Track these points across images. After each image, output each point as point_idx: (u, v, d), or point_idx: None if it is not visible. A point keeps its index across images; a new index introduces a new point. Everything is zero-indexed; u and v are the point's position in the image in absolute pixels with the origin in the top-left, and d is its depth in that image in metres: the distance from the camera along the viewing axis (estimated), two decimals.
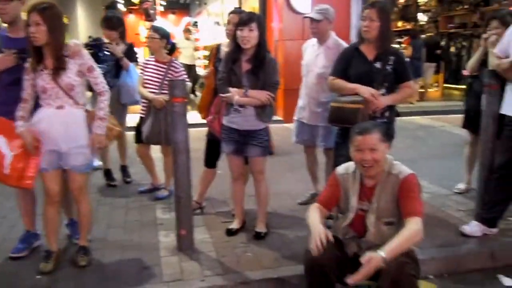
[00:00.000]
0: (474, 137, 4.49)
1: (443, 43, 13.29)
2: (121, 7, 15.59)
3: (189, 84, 4.61)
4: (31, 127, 3.01)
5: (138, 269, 3.19)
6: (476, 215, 3.81)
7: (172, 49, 4.53)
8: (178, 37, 13.03)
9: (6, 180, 3.03)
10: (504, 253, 3.50)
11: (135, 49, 5.27)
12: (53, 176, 3.11)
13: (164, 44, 4.39)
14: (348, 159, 2.69)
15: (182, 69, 4.42)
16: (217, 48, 4.01)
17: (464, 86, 6.03)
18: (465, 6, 13.30)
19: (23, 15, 3.11)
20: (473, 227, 3.67)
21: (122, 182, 5.10)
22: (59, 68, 2.97)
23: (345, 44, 3.94)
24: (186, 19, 19.12)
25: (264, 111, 3.48)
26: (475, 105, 4.23)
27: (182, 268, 3.20)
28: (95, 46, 4.72)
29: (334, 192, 2.67)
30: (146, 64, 4.48)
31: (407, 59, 4.27)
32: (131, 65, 4.85)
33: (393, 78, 3.45)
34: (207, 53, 12.20)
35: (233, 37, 3.47)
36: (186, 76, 4.38)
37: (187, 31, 13.13)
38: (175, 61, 4.45)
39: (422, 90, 11.51)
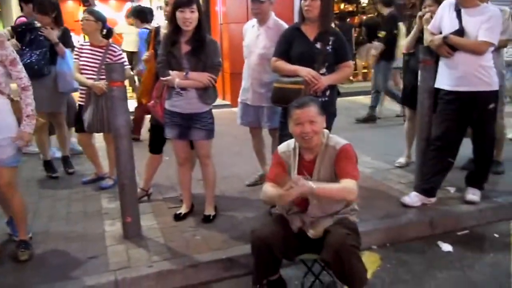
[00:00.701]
0: (412, 112, 4.65)
1: None
2: None
3: (128, 69, 4.47)
4: None
5: (83, 259, 3.11)
6: (416, 186, 3.98)
7: (108, 33, 4.38)
8: (120, 23, 12.62)
9: None
10: (443, 220, 3.68)
11: (76, 36, 5.06)
12: None
13: (100, 27, 4.23)
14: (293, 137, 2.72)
15: (121, 52, 4.28)
16: (156, 30, 3.91)
17: None
18: None
19: None
20: (413, 198, 3.82)
21: (64, 174, 4.92)
22: None
23: (285, 25, 3.95)
24: (128, 5, 18.53)
25: (206, 93, 3.44)
26: (412, 81, 4.38)
27: (129, 255, 3.15)
28: (27, 30, 4.49)
29: (282, 167, 2.69)
30: (81, 49, 4.30)
31: None
32: (67, 51, 4.66)
33: (333, 58, 3.50)
34: None
35: (170, 19, 3.40)
36: (125, 60, 4.25)
37: (130, 16, 12.70)
38: (113, 45, 4.31)
39: (365, 71, 11.79)
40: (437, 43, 3.69)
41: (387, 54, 6.87)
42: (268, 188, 2.58)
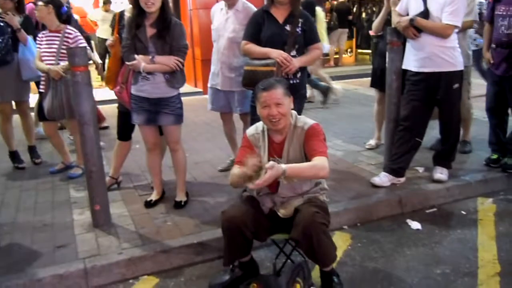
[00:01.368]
0: (381, 95, 4.69)
1: (354, 9, 13.70)
2: None
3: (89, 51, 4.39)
4: None
5: (52, 249, 3.05)
6: (385, 166, 4.03)
7: (68, 18, 4.27)
8: (95, 11, 12.31)
9: None
10: (411, 199, 3.74)
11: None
12: None
13: (51, 10, 4.09)
14: None
15: (78, 35, 4.18)
16: (120, 15, 3.81)
17: None
18: None
19: None
20: (382, 178, 3.88)
21: (31, 164, 4.81)
22: None
23: (254, 8, 3.92)
24: None
25: (174, 77, 3.39)
26: (381, 64, 4.41)
27: (98, 243, 3.10)
28: None
29: (250, 152, 2.67)
30: (41, 37, 4.22)
31: None
32: (30, 38, 4.53)
33: (303, 40, 3.50)
34: None
35: (133, 1, 3.32)
36: (84, 43, 4.16)
37: (106, 2, 12.42)
38: (69, 28, 4.20)
39: (337, 56, 11.86)
40: (404, 25, 3.72)
41: None
42: (235, 170, 2.57)
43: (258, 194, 2.68)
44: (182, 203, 3.66)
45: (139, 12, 3.29)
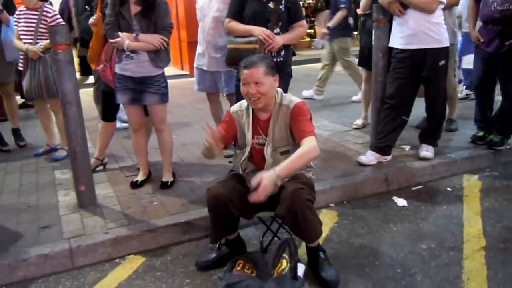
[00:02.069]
0: (369, 74, 4.66)
1: None
2: None
3: None
4: None
5: (36, 230, 3.02)
6: (371, 145, 4.03)
7: None
8: None
9: None
10: (397, 177, 3.75)
11: None
12: None
13: None
14: None
15: (56, 13, 4.11)
16: None
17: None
18: None
19: None
20: (369, 156, 3.88)
21: (15, 147, 4.74)
22: None
23: None
24: None
25: (158, 56, 3.35)
26: (368, 43, 4.38)
27: (84, 223, 3.08)
28: None
29: (230, 128, 2.66)
30: (19, 14, 4.14)
31: None
32: (12, 19, 4.43)
33: (287, 18, 3.45)
34: None
35: None
36: (61, 21, 4.09)
37: None
38: (47, 6, 4.13)
39: None
40: (389, 0, 3.69)
41: None
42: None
43: (245, 171, 2.67)
44: (169, 183, 3.64)
45: None
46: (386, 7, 3.76)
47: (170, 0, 8.84)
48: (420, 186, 3.76)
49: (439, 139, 4.10)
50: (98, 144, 4.01)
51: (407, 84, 3.81)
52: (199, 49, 4.09)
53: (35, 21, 4.06)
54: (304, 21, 3.57)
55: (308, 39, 11.71)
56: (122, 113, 4.71)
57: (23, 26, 4.10)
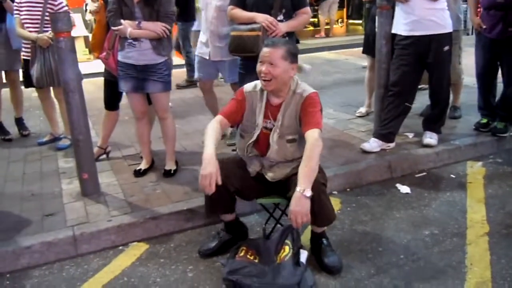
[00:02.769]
0: (373, 61, 4.61)
1: None
2: None
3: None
4: None
5: (40, 217, 3.03)
6: (374, 132, 4.02)
7: None
8: None
9: None
10: (401, 164, 3.74)
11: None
12: None
13: None
14: None
15: (62, 1, 4.09)
16: None
17: None
18: None
19: None
20: (372, 144, 3.87)
21: (19, 136, 4.75)
22: None
23: None
24: None
25: (161, 44, 3.33)
26: (373, 30, 4.34)
27: (87, 211, 3.08)
28: None
29: (240, 107, 2.61)
30: (20, 3, 4.12)
31: None
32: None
33: (290, 4, 3.43)
34: None
35: None
36: (67, 9, 4.07)
37: None
38: None
39: (328, 27, 11.73)
40: None
41: (184, 15, 6.09)
42: (210, 132, 2.48)
43: (247, 153, 2.64)
44: (172, 172, 3.64)
45: None
46: None
47: None
48: (424, 173, 3.74)
49: (443, 126, 4.09)
50: (101, 133, 4.01)
51: (410, 71, 3.78)
52: (202, 37, 4.06)
53: (40, 9, 4.04)
54: (308, 8, 3.54)
55: (311, 28, 11.66)
56: None
57: (26, 14, 4.08)
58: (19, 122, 4.81)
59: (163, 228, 3.01)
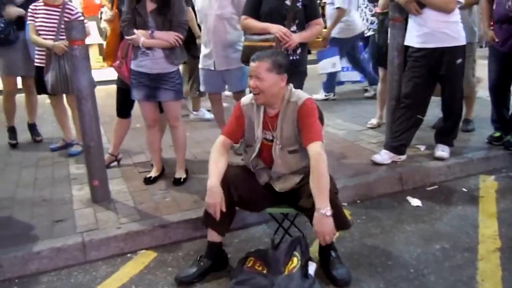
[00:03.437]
0: (386, 73, 4.61)
1: None
2: None
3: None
4: None
5: (50, 223, 3.05)
6: (385, 144, 3.99)
7: None
8: None
9: None
10: (412, 176, 3.71)
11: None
12: None
13: None
14: None
15: (78, 11, 4.17)
16: None
17: None
18: None
19: None
20: (383, 156, 3.84)
21: (31, 141, 4.81)
22: None
23: None
24: None
25: (173, 53, 3.36)
26: (386, 41, 4.32)
27: (97, 218, 3.10)
28: None
29: (240, 123, 2.64)
30: (35, 10, 4.17)
31: None
32: None
33: (303, 15, 3.43)
34: None
35: None
36: (83, 19, 4.13)
37: None
38: (69, 4, 4.18)
39: None
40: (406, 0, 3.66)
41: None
42: (214, 156, 2.55)
43: (255, 168, 2.66)
44: (182, 180, 3.65)
45: None
46: (402, 5, 3.72)
47: None
48: (435, 186, 3.71)
49: (455, 139, 4.05)
50: (112, 140, 4.04)
51: (423, 84, 3.76)
52: (205, 50, 4.02)
53: (57, 17, 4.10)
54: (320, 19, 3.54)
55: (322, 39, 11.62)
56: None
57: (42, 22, 4.13)
58: (32, 128, 4.87)
59: (172, 237, 3.01)
